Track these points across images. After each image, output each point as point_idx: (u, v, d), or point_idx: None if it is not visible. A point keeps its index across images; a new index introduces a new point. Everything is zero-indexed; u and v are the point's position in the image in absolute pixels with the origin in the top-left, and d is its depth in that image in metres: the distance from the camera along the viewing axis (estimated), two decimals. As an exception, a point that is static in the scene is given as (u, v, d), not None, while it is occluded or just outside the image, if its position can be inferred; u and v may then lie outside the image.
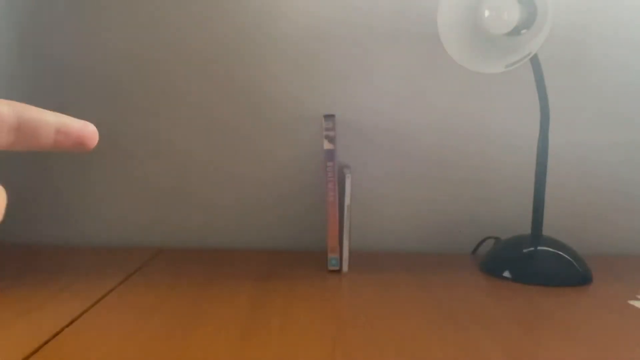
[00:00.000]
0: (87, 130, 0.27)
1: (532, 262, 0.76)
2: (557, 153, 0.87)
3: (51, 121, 0.26)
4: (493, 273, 0.76)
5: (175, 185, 0.92)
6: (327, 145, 0.74)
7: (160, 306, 0.62)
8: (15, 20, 0.90)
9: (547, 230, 0.78)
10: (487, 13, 0.71)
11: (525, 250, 0.77)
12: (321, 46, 0.89)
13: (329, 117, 0.79)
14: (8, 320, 0.57)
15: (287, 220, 0.92)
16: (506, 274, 0.75)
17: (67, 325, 0.55)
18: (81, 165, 0.93)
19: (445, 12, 0.73)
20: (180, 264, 0.80)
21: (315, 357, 0.49)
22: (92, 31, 0.91)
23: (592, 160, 0.92)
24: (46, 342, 0.51)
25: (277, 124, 0.91)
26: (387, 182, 0.91)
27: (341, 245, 0.76)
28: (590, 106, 0.91)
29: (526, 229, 0.78)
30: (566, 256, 0.75)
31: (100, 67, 0.91)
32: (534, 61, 0.73)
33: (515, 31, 0.71)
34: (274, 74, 0.90)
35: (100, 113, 0.92)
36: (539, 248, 0.76)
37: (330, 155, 0.74)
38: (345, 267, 0.76)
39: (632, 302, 0.65)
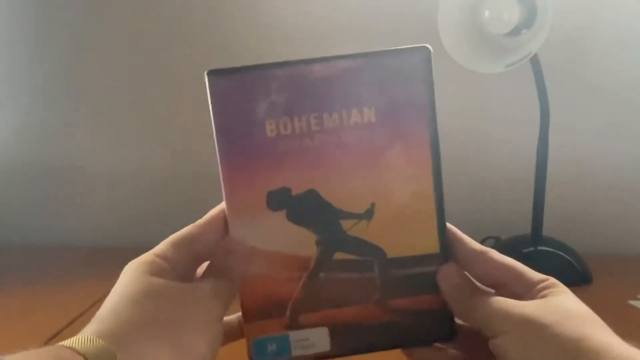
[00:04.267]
0: None
1: (532, 262, 0.75)
2: (557, 153, 0.87)
3: None
4: (493, 273, 0.76)
5: (176, 185, 0.92)
6: None
7: (160, 306, 0.62)
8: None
9: (547, 230, 0.78)
10: (487, 13, 0.71)
11: (525, 250, 0.77)
12: (320, 46, 0.89)
13: None
14: (8, 320, 0.57)
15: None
16: (506, 274, 0.75)
17: (67, 325, 0.55)
18: (81, 165, 0.93)
19: (445, 12, 0.73)
20: (180, 264, 0.80)
21: (315, 357, 0.49)
22: (92, 34, 0.91)
23: (592, 160, 0.92)
24: (46, 342, 0.51)
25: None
26: (387, 182, 0.91)
27: None
28: (590, 106, 0.91)
29: (526, 229, 0.78)
30: (566, 256, 0.75)
31: (101, 72, 0.91)
32: (534, 61, 0.73)
33: (515, 31, 0.71)
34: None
35: (99, 115, 0.92)
36: (539, 248, 0.76)
37: None
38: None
39: (632, 302, 0.65)
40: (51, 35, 0.90)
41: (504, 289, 0.32)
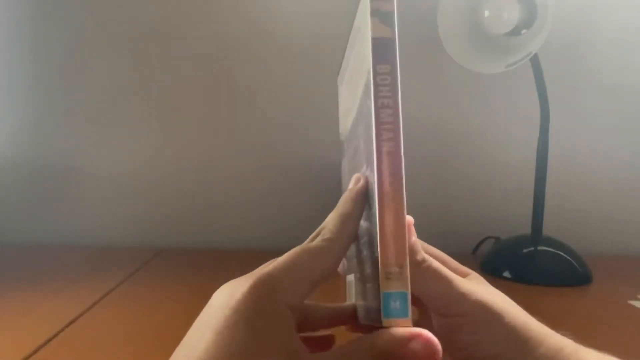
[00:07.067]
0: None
1: (532, 262, 0.76)
2: (557, 153, 0.87)
3: None
4: (493, 273, 0.76)
5: (176, 185, 0.92)
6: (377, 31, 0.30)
7: (160, 306, 0.62)
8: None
9: (547, 230, 0.78)
10: (487, 13, 0.71)
11: (525, 250, 0.77)
12: (320, 46, 0.89)
13: None
14: (8, 320, 0.57)
15: (288, 219, 0.92)
16: (506, 274, 0.75)
17: (67, 325, 0.55)
18: (81, 165, 0.93)
19: (445, 12, 0.73)
20: (180, 264, 0.80)
21: (315, 357, 0.49)
22: (91, 34, 0.91)
23: (592, 160, 0.92)
24: (46, 342, 0.51)
25: (278, 121, 0.91)
26: (387, 182, 0.91)
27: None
28: (590, 106, 0.91)
29: (526, 229, 0.78)
30: (566, 256, 0.75)
31: (101, 71, 0.91)
32: (534, 61, 0.73)
33: (515, 31, 0.71)
34: (275, 77, 0.90)
35: (98, 115, 0.92)
36: (539, 248, 0.76)
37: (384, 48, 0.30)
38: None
39: (632, 302, 0.65)
40: (50, 35, 0.90)
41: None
